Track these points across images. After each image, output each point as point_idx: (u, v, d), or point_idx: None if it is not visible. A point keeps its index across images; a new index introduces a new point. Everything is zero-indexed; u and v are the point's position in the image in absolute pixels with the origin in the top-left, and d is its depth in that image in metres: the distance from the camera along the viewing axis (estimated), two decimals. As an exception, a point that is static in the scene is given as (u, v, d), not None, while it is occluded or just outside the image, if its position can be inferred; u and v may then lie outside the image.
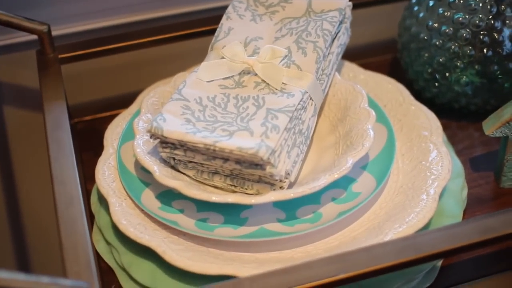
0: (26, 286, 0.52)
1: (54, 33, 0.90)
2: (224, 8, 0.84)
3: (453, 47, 0.83)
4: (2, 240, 1.04)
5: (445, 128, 0.84)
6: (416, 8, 0.87)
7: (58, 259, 0.70)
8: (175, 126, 0.69)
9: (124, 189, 0.73)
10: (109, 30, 0.96)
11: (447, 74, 0.85)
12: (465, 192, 0.77)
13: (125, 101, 0.89)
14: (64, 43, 0.90)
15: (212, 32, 0.83)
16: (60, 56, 0.87)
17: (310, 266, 0.58)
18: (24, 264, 1.08)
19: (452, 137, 0.86)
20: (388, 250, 0.59)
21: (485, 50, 0.82)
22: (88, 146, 0.88)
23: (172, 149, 0.70)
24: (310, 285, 0.57)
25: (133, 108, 0.85)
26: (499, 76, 0.84)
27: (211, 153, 0.68)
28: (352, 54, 0.92)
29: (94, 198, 0.78)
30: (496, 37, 0.82)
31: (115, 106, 0.93)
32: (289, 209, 0.71)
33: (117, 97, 1.02)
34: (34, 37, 0.87)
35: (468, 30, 0.82)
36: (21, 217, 1.06)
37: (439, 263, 0.71)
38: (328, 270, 0.58)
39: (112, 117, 0.86)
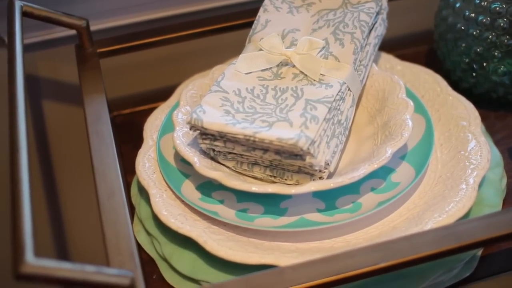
0: (71, 275, 0.52)
1: (93, 27, 0.91)
2: (260, 1, 0.84)
3: (490, 36, 0.83)
4: (43, 234, 1.05)
5: (483, 118, 0.83)
6: (452, -2, 0.87)
7: (98, 252, 0.71)
8: (214, 118, 0.70)
9: (164, 180, 0.74)
10: (146, 24, 0.97)
11: (484, 64, 0.85)
12: (504, 182, 0.77)
13: (163, 94, 0.90)
14: (102, 37, 0.91)
15: (249, 25, 0.84)
16: (98, 50, 0.87)
17: (351, 255, 0.58)
18: (63, 257, 1.09)
19: (490, 127, 0.85)
20: (429, 239, 0.59)
21: (523, 40, 0.82)
22: (127, 139, 0.88)
23: (212, 141, 0.71)
24: (351, 273, 0.57)
25: (171, 100, 0.85)
26: (537, 65, 0.83)
27: (251, 144, 0.68)
28: (388, 45, 0.92)
29: (134, 190, 0.79)
30: (534, 26, 0.82)
31: (153, 99, 0.94)
32: (328, 199, 0.71)
33: (155, 90, 1.03)
34: (73, 32, 0.88)
35: (505, 19, 0.82)
36: (61, 210, 1.07)
37: (479, 252, 0.71)
38: (369, 259, 0.58)
39: (151, 110, 0.86)
